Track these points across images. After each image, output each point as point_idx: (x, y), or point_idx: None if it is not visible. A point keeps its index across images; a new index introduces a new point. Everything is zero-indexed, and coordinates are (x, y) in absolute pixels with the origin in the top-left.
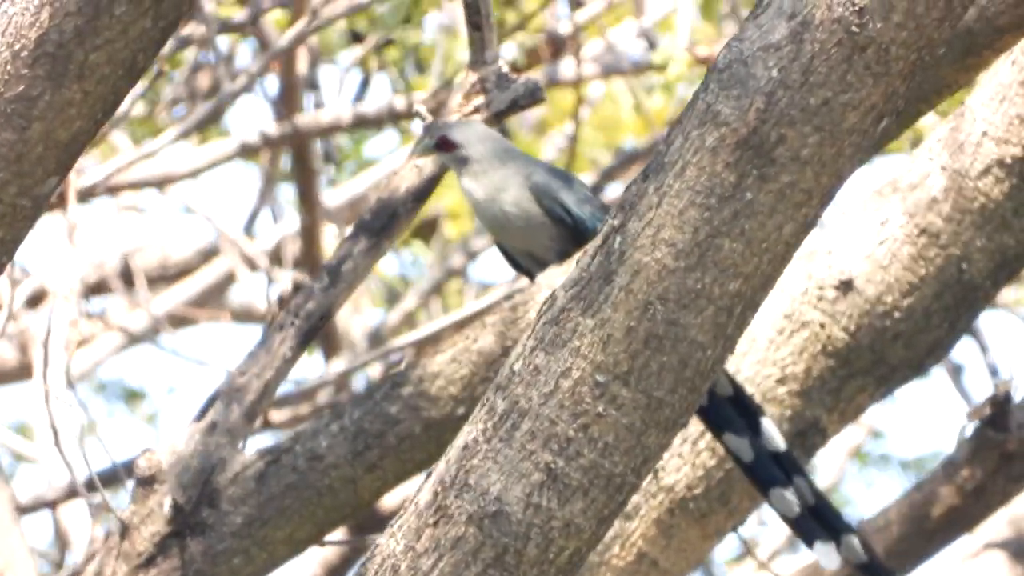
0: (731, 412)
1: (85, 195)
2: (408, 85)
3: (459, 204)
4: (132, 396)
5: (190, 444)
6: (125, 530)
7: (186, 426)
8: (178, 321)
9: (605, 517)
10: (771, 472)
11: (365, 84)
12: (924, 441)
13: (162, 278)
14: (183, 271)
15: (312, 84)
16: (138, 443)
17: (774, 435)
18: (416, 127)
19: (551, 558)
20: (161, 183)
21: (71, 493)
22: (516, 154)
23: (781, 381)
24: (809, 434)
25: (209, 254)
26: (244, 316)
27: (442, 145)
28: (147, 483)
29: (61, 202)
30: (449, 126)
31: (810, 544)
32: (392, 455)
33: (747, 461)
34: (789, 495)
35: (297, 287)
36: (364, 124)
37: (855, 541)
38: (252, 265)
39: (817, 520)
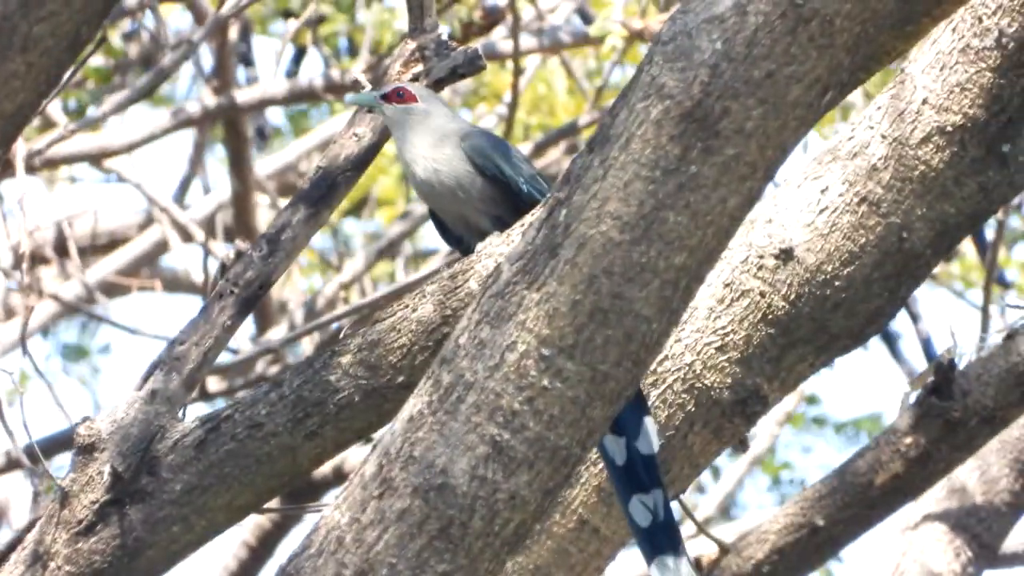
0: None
1: (26, 167)
2: (338, 61)
3: (393, 190)
4: (76, 352)
5: (130, 412)
6: (65, 498)
7: (125, 394)
8: (111, 289)
9: (550, 489)
10: (639, 477)
11: (298, 58)
12: (858, 404)
13: (95, 247)
14: (116, 240)
15: (245, 58)
16: (78, 408)
17: (652, 438)
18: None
19: (496, 530)
20: (98, 156)
21: (10, 462)
22: (458, 119)
23: (721, 349)
24: (750, 402)
25: (142, 224)
26: (176, 285)
27: (397, 96)
28: (87, 451)
29: (7, 171)
30: (400, 84)
31: (651, 558)
32: (331, 423)
33: (619, 464)
34: (647, 503)
35: (239, 255)
36: (300, 97)
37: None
38: (185, 234)
39: (664, 535)
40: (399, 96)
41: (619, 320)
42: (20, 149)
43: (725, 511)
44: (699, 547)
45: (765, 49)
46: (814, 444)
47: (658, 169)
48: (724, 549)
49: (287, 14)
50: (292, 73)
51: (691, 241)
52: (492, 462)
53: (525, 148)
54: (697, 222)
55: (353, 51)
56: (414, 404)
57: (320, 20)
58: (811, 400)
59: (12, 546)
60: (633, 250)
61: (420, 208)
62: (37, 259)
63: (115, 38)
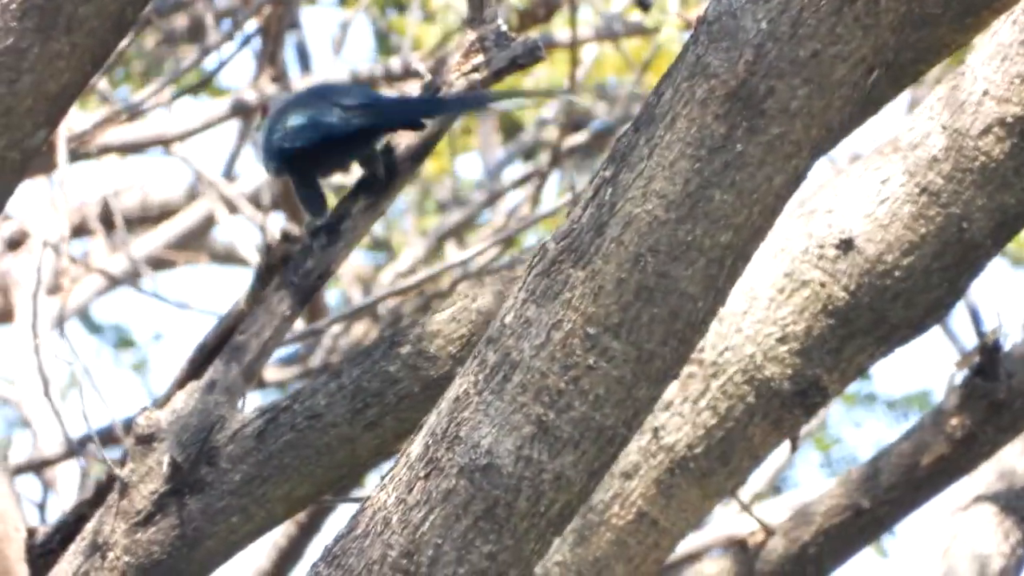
0: None
1: (75, 153)
2: (390, 27)
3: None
4: (123, 343)
5: (189, 402)
6: (124, 488)
7: (179, 381)
8: (159, 264)
9: (596, 470)
10: None
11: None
12: (910, 380)
13: (143, 220)
14: (164, 213)
15: (301, 50)
16: (127, 392)
17: None
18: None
19: (541, 511)
20: (153, 144)
21: (64, 448)
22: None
23: (782, 340)
24: (810, 393)
25: (189, 196)
26: (224, 258)
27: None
28: (146, 441)
29: (50, 151)
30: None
31: None
32: (391, 414)
33: None
34: None
35: (286, 236)
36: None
37: None
38: (232, 207)
39: None
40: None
41: (664, 298)
42: (63, 132)
43: (776, 489)
44: (745, 527)
45: (810, 29)
46: (865, 420)
47: (703, 148)
48: (769, 531)
49: None
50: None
51: (737, 219)
52: (538, 442)
53: (582, 136)
54: (743, 200)
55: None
56: (460, 384)
57: None
58: (862, 376)
59: (61, 529)
60: (679, 228)
61: (478, 197)
62: (83, 231)
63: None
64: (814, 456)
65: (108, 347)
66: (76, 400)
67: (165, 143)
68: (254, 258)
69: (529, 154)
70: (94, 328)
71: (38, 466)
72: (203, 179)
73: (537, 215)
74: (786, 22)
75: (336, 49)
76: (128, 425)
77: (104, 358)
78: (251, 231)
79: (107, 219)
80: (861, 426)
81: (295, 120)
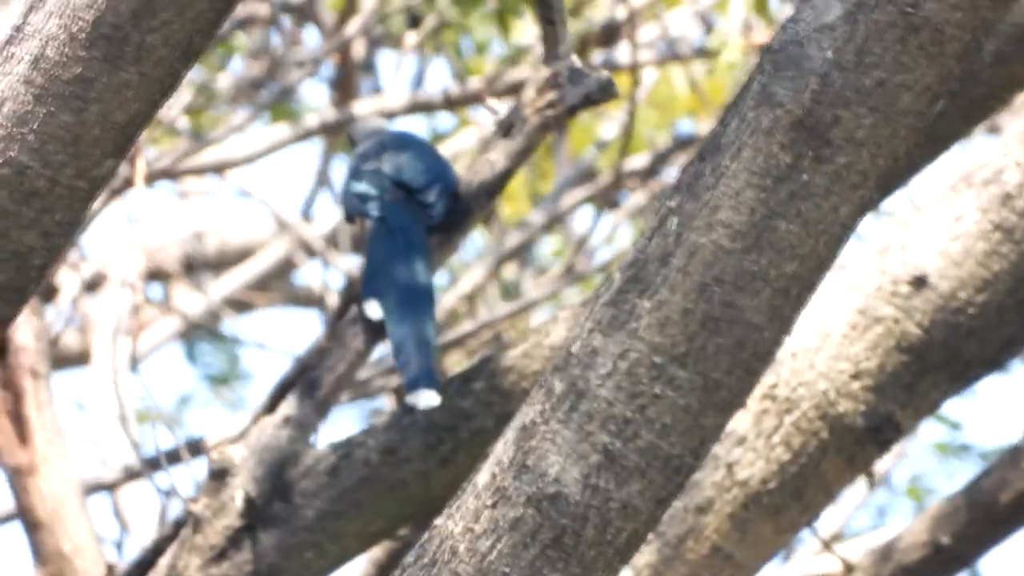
0: None
1: (149, 180)
2: (466, 69)
3: (516, 186)
4: (220, 380)
5: (262, 437)
6: (197, 523)
7: (256, 418)
8: (238, 306)
9: (663, 499)
10: None
11: (422, 69)
12: (1004, 431)
13: (221, 263)
14: (242, 256)
15: (369, 67)
16: (208, 427)
17: None
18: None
19: (609, 539)
20: (219, 168)
21: (132, 476)
22: (383, 133)
23: (855, 376)
24: (883, 430)
25: (268, 239)
26: (302, 300)
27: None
28: (219, 476)
29: (127, 186)
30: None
31: None
32: (464, 449)
33: None
34: None
35: None
36: (423, 109)
37: None
38: (309, 249)
39: None
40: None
41: (730, 328)
42: (144, 164)
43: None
44: (824, 565)
45: (876, 58)
46: (959, 470)
47: (769, 177)
48: (850, 567)
49: (414, 22)
50: (417, 83)
51: (802, 250)
52: (605, 471)
53: (645, 158)
54: (808, 231)
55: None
56: (527, 413)
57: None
58: (954, 426)
59: (141, 565)
60: (744, 258)
61: (538, 218)
62: (163, 275)
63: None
64: (907, 505)
65: (203, 384)
66: (154, 436)
67: (230, 167)
68: (333, 300)
69: (589, 176)
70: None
71: (107, 487)
72: (281, 220)
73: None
74: (851, 51)
75: (412, 85)
76: (193, 448)
77: (198, 395)
78: (329, 273)
79: (187, 263)
80: (954, 477)
81: (367, 187)
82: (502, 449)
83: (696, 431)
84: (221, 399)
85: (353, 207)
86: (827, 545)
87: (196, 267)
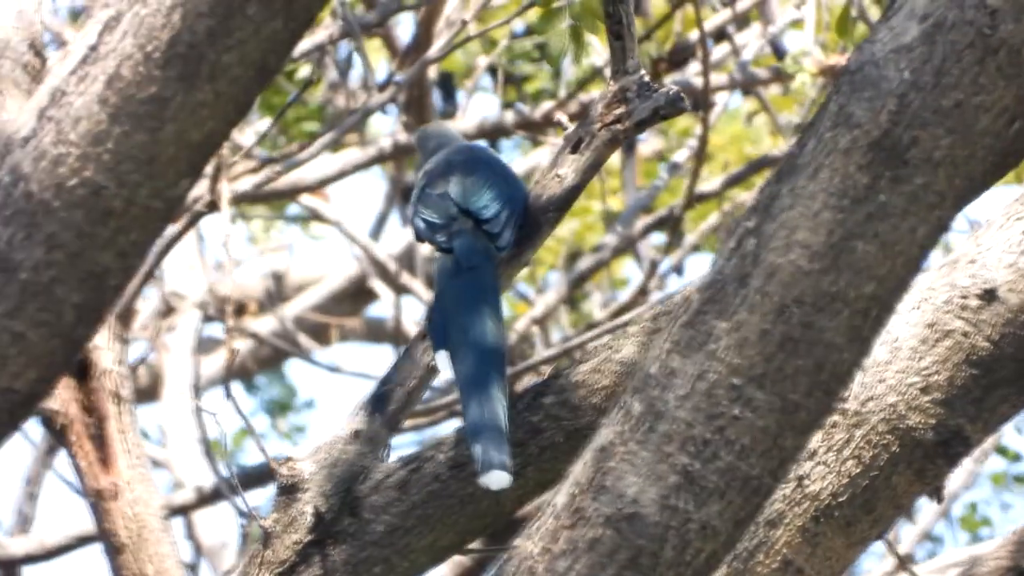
0: None
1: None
2: (536, 94)
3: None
4: (280, 407)
5: (332, 452)
6: (267, 538)
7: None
8: (315, 333)
9: (742, 519)
10: None
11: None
12: None
13: (298, 288)
14: (316, 281)
15: (446, 89)
16: (280, 450)
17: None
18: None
19: (687, 560)
20: (294, 192)
21: (211, 499)
22: (450, 148)
23: (925, 390)
24: (953, 444)
25: (342, 264)
26: (377, 332)
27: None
28: (289, 491)
29: (212, 209)
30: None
31: None
32: (534, 464)
33: None
34: None
35: None
36: (491, 133)
37: None
38: (383, 271)
39: None
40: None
41: (809, 349)
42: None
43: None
44: None
45: (953, 78)
46: (1015, 502)
47: (847, 198)
48: None
49: (492, 70)
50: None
51: (880, 271)
52: (683, 492)
53: (717, 182)
54: (886, 251)
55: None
56: (605, 434)
57: (524, 80)
58: (1015, 458)
59: None
60: (823, 279)
61: (611, 241)
62: (243, 309)
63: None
64: (962, 537)
65: (264, 413)
66: (227, 456)
67: (302, 191)
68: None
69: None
70: (252, 390)
71: (182, 511)
72: (355, 242)
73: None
74: (929, 72)
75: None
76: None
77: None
78: (401, 301)
79: (267, 296)
80: (1011, 508)
81: (434, 214)
82: (580, 470)
83: (775, 452)
84: (278, 429)
85: (421, 233)
86: (904, 564)
87: (274, 302)
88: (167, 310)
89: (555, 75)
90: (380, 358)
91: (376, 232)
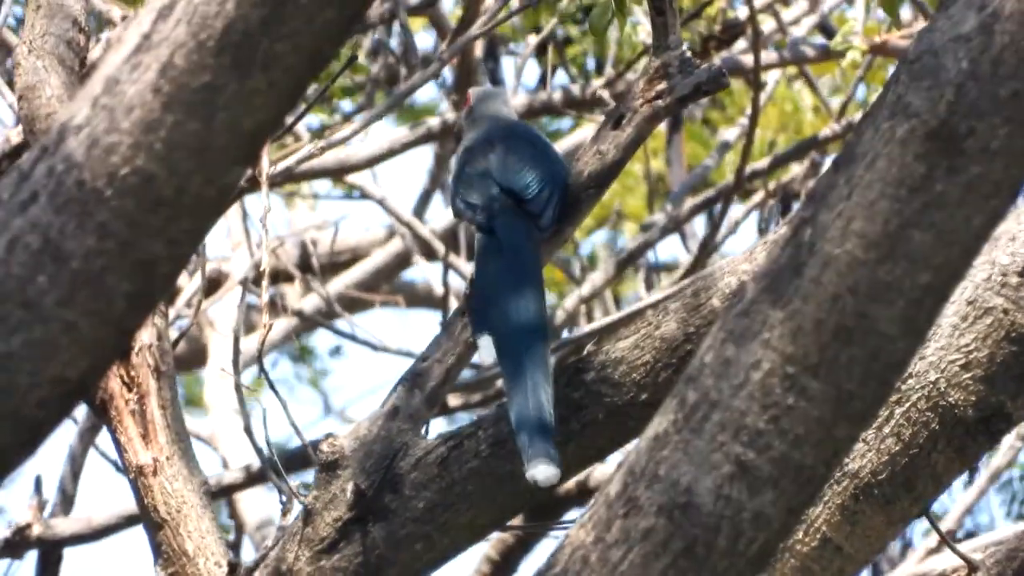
0: None
1: (272, 183)
2: (585, 74)
3: (640, 207)
4: (303, 353)
5: (372, 429)
6: (308, 515)
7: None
8: (352, 305)
9: (795, 508)
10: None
11: (543, 74)
12: None
13: (336, 264)
14: (357, 256)
15: (493, 74)
16: (316, 426)
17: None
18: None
19: (741, 549)
20: (339, 172)
21: (252, 478)
22: (495, 119)
23: (965, 367)
24: (994, 420)
25: (384, 239)
26: (418, 299)
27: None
28: (329, 468)
29: (252, 187)
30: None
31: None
32: (575, 441)
33: None
34: None
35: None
36: (538, 112)
37: None
38: (426, 248)
39: None
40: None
41: (864, 339)
42: (264, 166)
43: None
44: (945, 562)
45: (1011, 68)
46: None
47: (903, 188)
48: (973, 567)
49: (536, 30)
50: (538, 89)
51: (936, 260)
52: (737, 481)
53: (765, 161)
54: (942, 241)
55: (598, 67)
56: (659, 423)
57: (567, 41)
58: None
59: (262, 562)
60: (878, 269)
61: (660, 219)
62: (280, 277)
63: (359, 55)
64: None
65: (291, 365)
66: (265, 432)
67: (350, 170)
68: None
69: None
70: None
71: (225, 492)
72: (398, 219)
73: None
74: (987, 61)
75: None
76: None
77: (285, 375)
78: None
79: (303, 263)
80: None
81: (475, 194)
82: (634, 459)
83: (829, 442)
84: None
85: (461, 212)
86: (948, 542)
87: (311, 268)
88: (211, 286)
89: (597, 45)
90: (420, 324)
91: (420, 209)
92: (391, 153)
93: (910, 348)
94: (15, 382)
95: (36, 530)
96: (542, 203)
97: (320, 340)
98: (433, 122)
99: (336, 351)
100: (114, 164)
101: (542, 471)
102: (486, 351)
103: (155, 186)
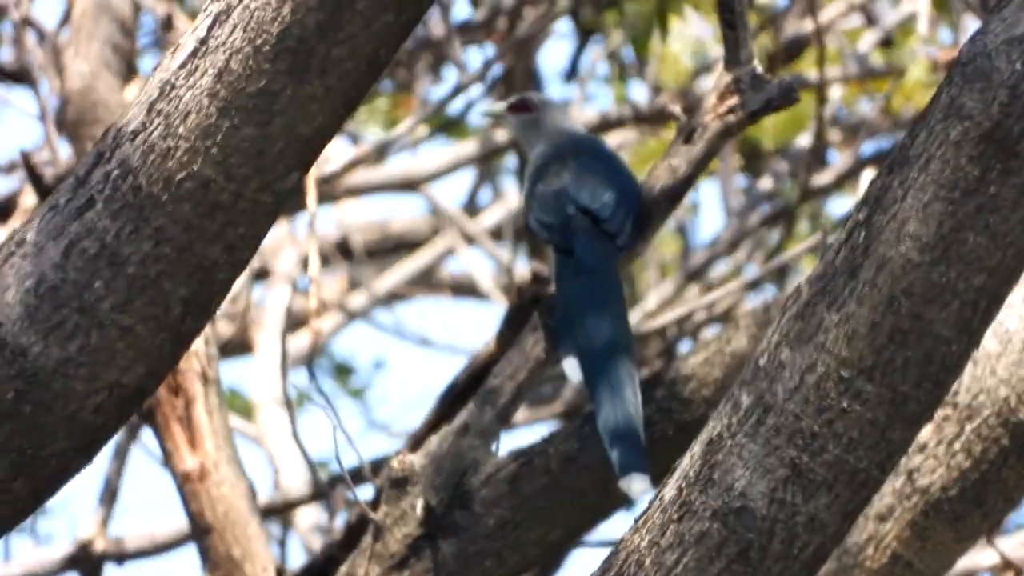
0: None
1: (322, 196)
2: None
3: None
4: (341, 372)
5: (443, 446)
6: (378, 531)
7: (430, 422)
8: (395, 296)
9: (849, 512)
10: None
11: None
12: None
13: (381, 254)
14: (403, 244)
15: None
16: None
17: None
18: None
19: (795, 553)
20: (400, 187)
21: (312, 490)
22: (564, 131)
23: None
24: None
25: (430, 227)
26: (465, 291)
27: (522, 107)
28: (400, 484)
29: (300, 192)
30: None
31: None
32: None
33: None
34: None
35: (536, 277)
36: (609, 125)
37: None
38: (472, 242)
39: None
40: (523, 107)
41: (919, 341)
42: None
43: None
44: (983, 559)
45: None
46: None
47: (957, 190)
48: (1012, 565)
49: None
50: (570, 74)
51: (990, 262)
52: (791, 485)
53: (830, 175)
54: (996, 243)
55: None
56: (713, 427)
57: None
58: None
59: (311, 571)
60: (932, 271)
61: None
62: (323, 266)
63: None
64: None
65: (330, 380)
66: (319, 438)
67: (412, 185)
68: (495, 293)
69: (773, 194)
70: (330, 363)
71: (285, 508)
72: (444, 214)
73: (781, 260)
74: None
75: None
76: (375, 466)
77: (333, 393)
78: (492, 266)
79: (345, 252)
80: None
81: (551, 214)
82: (688, 463)
83: (883, 445)
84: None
85: (536, 231)
86: (988, 539)
87: (354, 254)
88: (260, 277)
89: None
90: (468, 318)
91: (469, 204)
92: (455, 167)
93: (965, 350)
94: (72, 388)
95: (99, 545)
96: (619, 222)
97: (361, 342)
98: (499, 137)
99: (378, 366)
100: (170, 169)
101: (636, 482)
102: (571, 371)
103: (212, 191)
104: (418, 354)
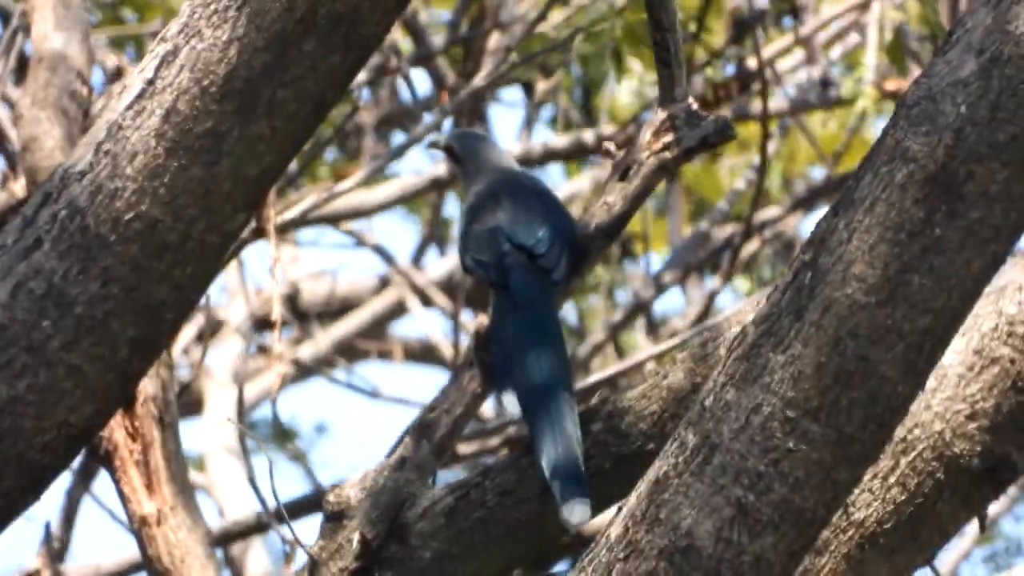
0: None
1: (282, 230)
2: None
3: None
4: (282, 435)
5: (379, 479)
6: (314, 566)
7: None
8: (349, 353)
9: (795, 552)
10: None
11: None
12: None
13: (330, 311)
14: (351, 303)
15: (481, 118)
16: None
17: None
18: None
19: None
20: (352, 216)
21: (256, 527)
22: (493, 175)
23: (971, 417)
24: (999, 471)
25: (378, 287)
26: (416, 353)
27: (448, 151)
28: (336, 518)
29: (259, 236)
30: (458, 134)
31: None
32: None
33: None
34: None
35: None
36: (545, 159)
37: None
38: (423, 297)
39: None
40: (450, 154)
41: (864, 382)
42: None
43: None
44: None
45: (1009, 113)
46: None
47: (903, 232)
48: None
49: (528, 87)
50: (527, 123)
51: (936, 304)
52: (738, 524)
53: (773, 211)
54: (942, 285)
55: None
56: (660, 466)
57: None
58: None
59: None
60: (878, 312)
61: (669, 276)
62: (272, 325)
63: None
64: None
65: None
66: (271, 482)
67: (360, 215)
68: (447, 351)
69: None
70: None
71: (229, 539)
72: (394, 267)
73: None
74: (985, 106)
75: (526, 127)
76: (311, 501)
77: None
78: (442, 322)
79: (295, 308)
80: None
81: (485, 252)
82: (634, 502)
83: (829, 485)
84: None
85: (471, 270)
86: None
87: (304, 313)
88: (208, 335)
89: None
90: (419, 380)
91: (417, 258)
92: (402, 199)
93: (910, 392)
94: (20, 426)
95: None
96: (554, 257)
97: (308, 400)
98: (442, 170)
99: (321, 429)
100: (118, 210)
101: (577, 511)
102: (510, 406)
103: (159, 232)
104: (364, 412)
